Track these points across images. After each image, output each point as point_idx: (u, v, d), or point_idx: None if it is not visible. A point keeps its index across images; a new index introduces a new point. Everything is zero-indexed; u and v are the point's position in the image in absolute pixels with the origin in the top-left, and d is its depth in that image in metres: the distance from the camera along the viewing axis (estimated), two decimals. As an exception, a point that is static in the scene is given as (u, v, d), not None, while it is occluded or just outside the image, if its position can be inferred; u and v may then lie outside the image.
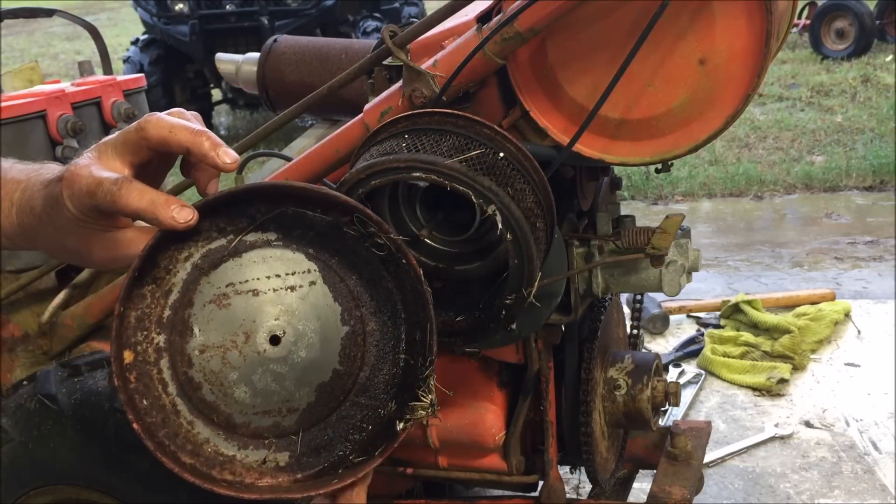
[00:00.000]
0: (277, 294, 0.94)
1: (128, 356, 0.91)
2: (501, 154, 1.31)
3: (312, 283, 0.94)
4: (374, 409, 0.96)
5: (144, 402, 0.92)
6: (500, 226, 1.25)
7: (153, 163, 0.94)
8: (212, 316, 0.93)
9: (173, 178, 1.17)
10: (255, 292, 0.94)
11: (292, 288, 0.94)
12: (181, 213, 0.88)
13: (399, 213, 1.46)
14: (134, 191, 0.88)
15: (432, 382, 0.93)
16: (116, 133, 0.93)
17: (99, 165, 0.90)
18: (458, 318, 1.43)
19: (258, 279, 0.94)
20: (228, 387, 0.94)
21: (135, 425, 0.90)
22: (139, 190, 0.88)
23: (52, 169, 0.96)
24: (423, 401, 0.93)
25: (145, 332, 0.93)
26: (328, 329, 0.94)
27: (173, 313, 0.93)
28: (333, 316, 0.95)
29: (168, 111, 0.94)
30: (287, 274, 0.94)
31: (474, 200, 1.24)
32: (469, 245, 1.47)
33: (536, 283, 1.31)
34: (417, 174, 1.26)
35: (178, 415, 0.93)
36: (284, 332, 0.94)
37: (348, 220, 0.93)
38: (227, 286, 0.94)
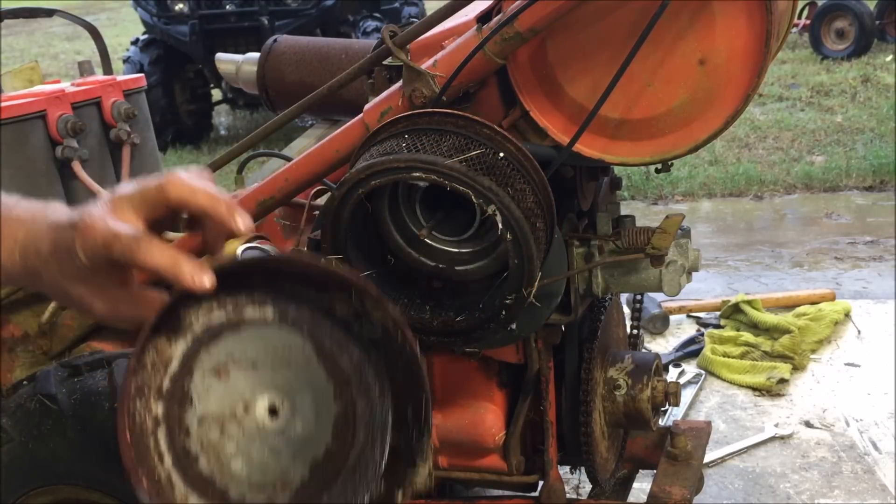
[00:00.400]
0: (275, 367, 0.94)
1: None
2: (501, 154, 1.31)
3: (308, 358, 0.95)
4: (367, 487, 0.95)
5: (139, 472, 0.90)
6: (500, 226, 1.25)
7: (163, 217, 0.95)
8: (211, 387, 0.93)
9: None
10: (254, 364, 0.94)
11: (289, 362, 0.94)
12: (201, 276, 0.88)
13: (399, 213, 1.46)
14: (155, 248, 0.87)
15: (428, 452, 0.93)
16: (133, 186, 0.92)
17: (114, 217, 0.90)
18: (458, 318, 1.43)
19: (256, 351, 0.94)
20: (226, 459, 0.93)
21: (144, 481, 0.89)
22: (160, 247, 0.88)
23: (58, 210, 0.95)
24: (419, 467, 0.93)
25: (143, 401, 0.91)
26: (322, 405, 0.95)
27: (172, 384, 0.92)
28: (327, 392, 0.95)
29: (185, 169, 0.93)
30: (284, 347, 0.94)
31: (474, 200, 1.24)
32: (469, 245, 1.47)
33: (536, 283, 1.32)
34: (417, 174, 1.26)
35: (172, 489, 0.92)
36: (283, 405, 0.94)
37: (346, 294, 0.93)
38: (226, 357, 0.93)
